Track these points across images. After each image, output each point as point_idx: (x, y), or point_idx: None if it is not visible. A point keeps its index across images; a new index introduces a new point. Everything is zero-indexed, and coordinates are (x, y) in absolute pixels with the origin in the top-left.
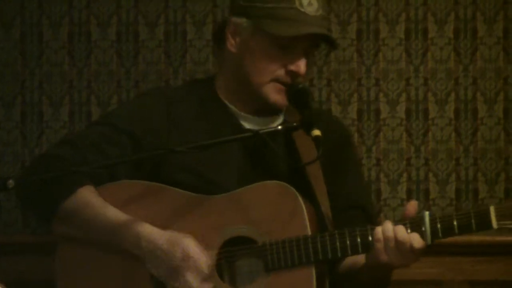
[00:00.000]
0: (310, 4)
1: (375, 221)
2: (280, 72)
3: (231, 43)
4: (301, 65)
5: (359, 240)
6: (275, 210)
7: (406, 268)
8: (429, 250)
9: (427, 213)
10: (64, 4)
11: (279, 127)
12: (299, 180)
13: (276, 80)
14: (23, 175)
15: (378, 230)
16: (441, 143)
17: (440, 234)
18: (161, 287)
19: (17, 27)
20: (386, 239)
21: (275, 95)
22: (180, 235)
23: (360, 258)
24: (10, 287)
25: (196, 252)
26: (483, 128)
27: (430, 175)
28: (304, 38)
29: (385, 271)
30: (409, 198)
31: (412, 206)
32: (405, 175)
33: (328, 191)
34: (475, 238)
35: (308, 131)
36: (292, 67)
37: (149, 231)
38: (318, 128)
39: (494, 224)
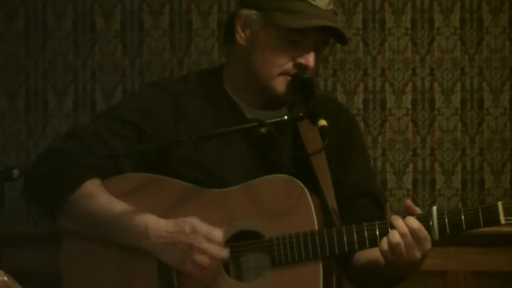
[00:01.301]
0: None
1: (383, 207)
2: (289, 66)
3: (241, 36)
4: (310, 58)
5: (366, 235)
6: (282, 204)
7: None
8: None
9: (434, 208)
10: None
11: (285, 117)
12: (304, 172)
13: (285, 73)
14: (30, 169)
15: (395, 233)
16: (447, 133)
17: (448, 230)
18: (167, 279)
19: (21, 17)
20: (402, 235)
21: (284, 88)
22: (183, 218)
23: (378, 254)
24: (14, 278)
25: (203, 225)
26: (489, 118)
27: (436, 165)
28: (314, 32)
29: (407, 269)
30: (415, 188)
31: (410, 208)
32: (411, 165)
33: (335, 180)
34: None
35: (313, 121)
36: (301, 60)
37: (156, 221)
38: (324, 118)
39: (502, 220)
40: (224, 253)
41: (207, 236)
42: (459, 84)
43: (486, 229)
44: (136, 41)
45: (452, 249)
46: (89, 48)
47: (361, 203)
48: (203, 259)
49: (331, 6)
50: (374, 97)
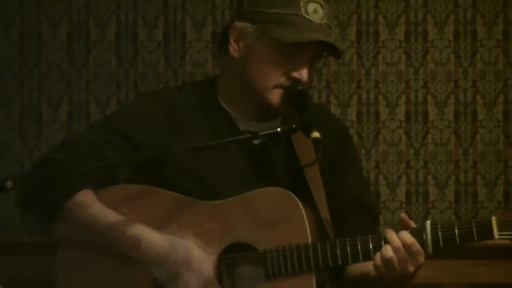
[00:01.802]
0: (315, 12)
1: (377, 218)
2: (283, 79)
3: (234, 48)
4: (304, 72)
5: (359, 248)
6: (276, 217)
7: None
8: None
9: (428, 222)
10: (63, 4)
11: (278, 129)
12: (298, 184)
13: (280, 86)
14: (24, 178)
15: (388, 248)
16: (441, 145)
17: (441, 244)
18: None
19: (16, 27)
20: (396, 250)
21: (278, 100)
22: (180, 237)
23: (371, 266)
24: (7, 286)
25: (197, 255)
26: (483, 130)
27: (429, 177)
28: (309, 46)
29: (399, 282)
30: (408, 200)
31: (404, 221)
32: (404, 177)
33: (328, 191)
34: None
35: (307, 133)
36: (296, 74)
37: (149, 234)
38: (317, 129)
39: (496, 235)
40: (214, 277)
41: (198, 270)
42: (452, 97)
43: (482, 242)
44: (131, 52)
45: (447, 261)
46: (84, 59)
47: (354, 214)
48: (193, 279)
49: (325, 20)
50: (367, 110)
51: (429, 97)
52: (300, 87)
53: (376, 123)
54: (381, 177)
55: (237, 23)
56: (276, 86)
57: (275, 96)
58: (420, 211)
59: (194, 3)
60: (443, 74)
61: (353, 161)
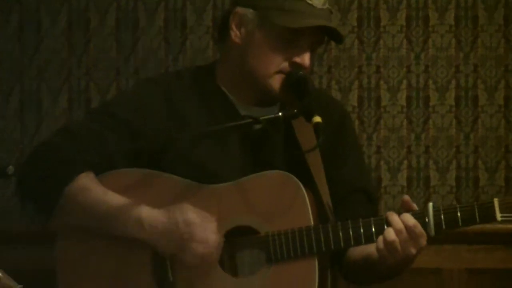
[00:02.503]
0: None
1: (377, 203)
2: (285, 64)
3: (236, 34)
4: (306, 58)
5: (362, 231)
6: (277, 200)
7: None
8: (427, 239)
9: (430, 204)
10: None
11: (280, 113)
12: (299, 168)
13: (281, 71)
14: (24, 164)
15: (390, 231)
16: (442, 130)
17: (443, 226)
18: (162, 272)
19: (15, 15)
20: (398, 232)
21: (280, 85)
22: (178, 209)
23: (373, 249)
24: (8, 274)
25: (199, 223)
26: (484, 115)
27: (431, 162)
28: (310, 31)
29: (401, 265)
30: (409, 185)
31: (407, 203)
32: (405, 162)
33: (329, 176)
34: (474, 227)
35: (308, 118)
36: (298, 60)
37: (149, 212)
38: (318, 115)
39: (498, 217)
40: (220, 240)
41: (200, 231)
42: (453, 82)
43: (482, 227)
44: (131, 39)
45: (447, 246)
46: (84, 46)
47: (355, 199)
48: (199, 248)
49: (327, 5)
50: (369, 95)
51: (430, 82)
52: (301, 72)
53: (377, 108)
54: (382, 162)
55: (239, 9)
56: (278, 72)
57: (276, 82)
58: (421, 196)
59: None
60: (444, 59)
61: (353, 145)
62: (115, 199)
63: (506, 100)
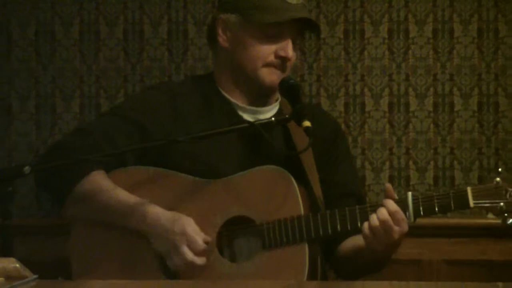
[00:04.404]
0: None
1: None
2: (271, 58)
3: (223, 39)
4: (288, 50)
5: (348, 218)
6: (271, 192)
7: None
8: (409, 232)
9: (409, 193)
10: (75, 5)
11: (273, 118)
12: (293, 165)
13: (268, 64)
14: (40, 160)
15: (374, 217)
16: (421, 133)
17: (421, 213)
18: (164, 262)
19: (32, 27)
20: (381, 216)
21: (269, 77)
22: (181, 215)
23: (361, 241)
24: (24, 264)
25: (192, 230)
26: (459, 120)
27: (411, 163)
28: (289, 25)
29: (386, 251)
30: (391, 184)
31: (389, 191)
32: (387, 163)
33: (322, 180)
34: (452, 221)
35: (299, 122)
36: (281, 52)
37: (155, 210)
38: (309, 120)
39: (471, 203)
40: (199, 261)
41: (192, 242)
42: (432, 89)
43: (458, 221)
44: (137, 49)
45: (427, 240)
46: (94, 55)
47: (346, 202)
48: (187, 254)
49: (301, 0)
50: (354, 101)
51: (410, 90)
52: (292, 80)
53: (362, 113)
54: (366, 163)
55: (222, 15)
56: (265, 65)
57: (265, 74)
58: (402, 193)
59: (195, 3)
60: (423, 68)
61: (345, 154)
62: (123, 195)
63: (480, 106)
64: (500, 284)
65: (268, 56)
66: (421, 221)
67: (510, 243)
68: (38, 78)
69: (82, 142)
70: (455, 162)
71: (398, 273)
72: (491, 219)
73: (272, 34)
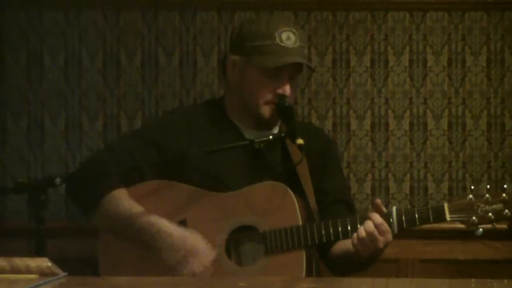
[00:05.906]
0: (288, 39)
1: (355, 212)
2: (271, 96)
3: (231, 74)
4: (286, 88)
5: (340, 229)
6: (273, 204)
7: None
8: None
9: (394, 208)
10: (99, 38)
11: (270, 136)
12: (291, 179)
13: (268, 102)
14: (74, 174)
15: (362, 229)
16: (398, 149)
17: (404, 225)
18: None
19: (61, 56)
20: (368, 228)
21: (269, 113)
22: (192, 233)
23: (350, 246)
24: (55, 263)
25: (202, 248)
26: (432, 138)
27: (390, 175)
28: (286, 67)
29: (371, 257)
30: (373, 193)
31: (378, 206)
32: (370, 175)
33: (316, 188)
34: (425, 225)
35: (293, 140)
36: (280, 91)
37: (168, 226)
38: (302, 138)
39: (447, 217)
40: (207, 273)
41: (201, 258)
42: (408, 111)
43: (431, 226)
44: (153, 76)
45: (404, 241)
46: (116, 81)
47: (337, 208)
48: (198, 266)
49: (297, 44)
50: (341, 121)
51: (389, 111)
52: (286, 104)
53: (347, 132)
54: (351, 175)
55: (230, 55)
56: (266, 103)
57: (266, 111)
58: (382, 201)
59: (204, 36)
60: (401, 93)
61: (336, 166)
62: (139, 211)
63: (450, 125)
64: (471, 280)
65: (268, 94)
66: None
67: (474, 244)
68: (67, 99)
69: (109, 160)
70: (429, 174)
71: (379, 271)
72: (459, 225)
73: (272, 75)
